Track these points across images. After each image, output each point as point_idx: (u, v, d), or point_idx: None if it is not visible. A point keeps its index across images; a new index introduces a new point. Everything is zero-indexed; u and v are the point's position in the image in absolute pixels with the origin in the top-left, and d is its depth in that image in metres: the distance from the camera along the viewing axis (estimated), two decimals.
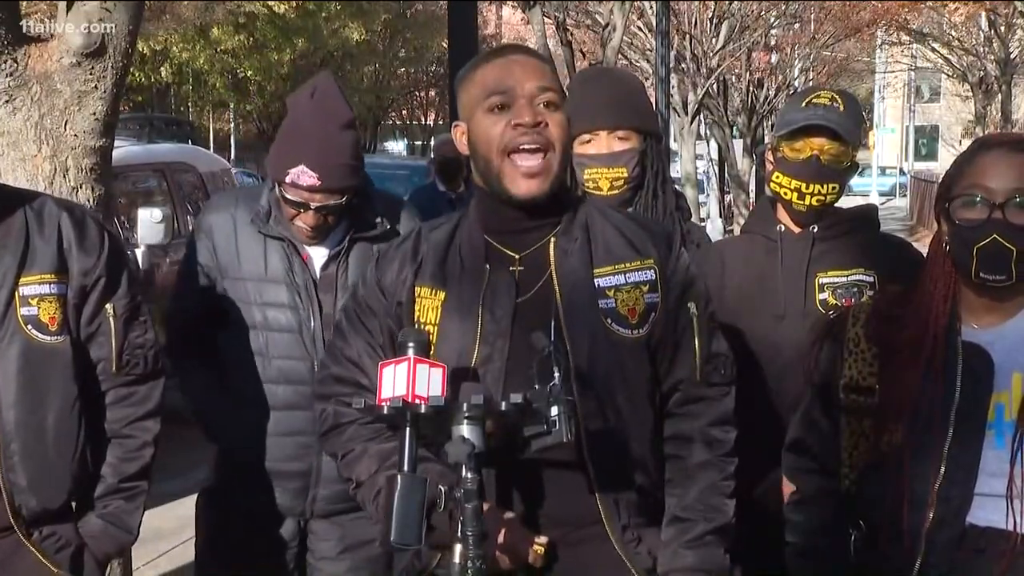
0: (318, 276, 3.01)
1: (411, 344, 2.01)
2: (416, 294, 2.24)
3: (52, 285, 2.45)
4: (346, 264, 3.00)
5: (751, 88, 24.96)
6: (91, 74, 3.48)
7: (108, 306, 2.53)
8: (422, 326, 2.22)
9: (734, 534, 2.30)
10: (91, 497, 2.56)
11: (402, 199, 3.32)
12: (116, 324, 2.54)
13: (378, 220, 3.04)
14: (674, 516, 2.26)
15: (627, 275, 2.22)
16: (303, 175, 2.86)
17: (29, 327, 2.42)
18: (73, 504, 2.53)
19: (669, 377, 2.27)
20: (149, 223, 7.80)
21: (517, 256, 2.23)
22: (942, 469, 2.13)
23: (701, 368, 2.26)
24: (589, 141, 3.01)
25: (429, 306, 2.23)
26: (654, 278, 2.23)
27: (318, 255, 3.03)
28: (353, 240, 3.01)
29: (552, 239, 2.23)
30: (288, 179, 2.88)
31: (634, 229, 2.29)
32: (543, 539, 2.16)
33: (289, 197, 2.91)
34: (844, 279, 2.86)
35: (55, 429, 2.45)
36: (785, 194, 2.89)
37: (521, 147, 2.14)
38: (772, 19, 23.62)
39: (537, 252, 2.23)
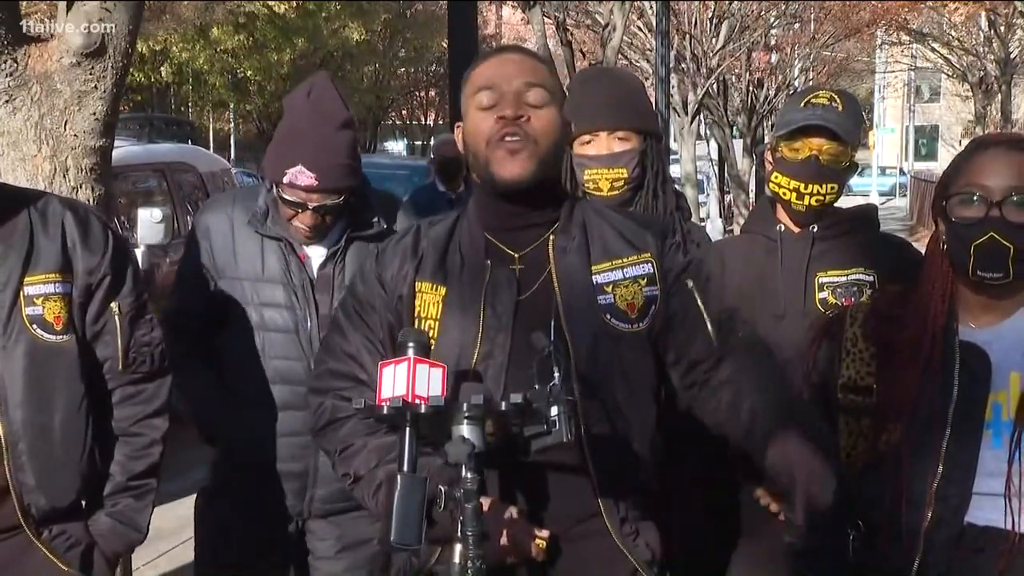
0: (315, 276, 3.01)
1: (411, 344, 2.01)
2: (417, 289, 2.26)
3: (57, 284, 2.45)
4: (343, 264, 3.01)
5: (751, 88, 24.95)
6: (91, 74, 3.49)
7: (113, 304, 2.53)
8: (423, 321, 2.23)
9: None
10: (100, 496, 2.57)
11: (398, 198, 3.31)
12: (122, 322, 2.54)
13: (375, 220, 3.05)
14: (740, 413, 2.16)
15: (624, 270, 2.24)
16: (300, 175, 2.87)
17: (34, 327, 2.42)
18: (83, 503, 2.54)
19: (686, 351, 2.24)
20: (149, 223, 7.79)
21: (516, 255, 2.24)
22: (940, 468, 2.14)
23: (716, 335, 2.23)
24: (589, 142, 3.01)
25: (430, 301, 2.24)
26: (652, 271, 2.25)
27: (316, 255, 3.03)
28: (350, 240, 3.02)
29: (551, 237, 2.25)
30: (286, 180, 2.89)
31: (630, 225, 2.30)
32: (545, 533, 2.16)
33: (287, 198, 2.91)
34: (844, 278, 2.86)
35: (62, 428, 2.45)
36: (784, 194, 2.89)
37: (504, 137, 2.17)
38: (772, 19, 23.61)
39: (536, 251, 2.24)
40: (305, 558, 3.17)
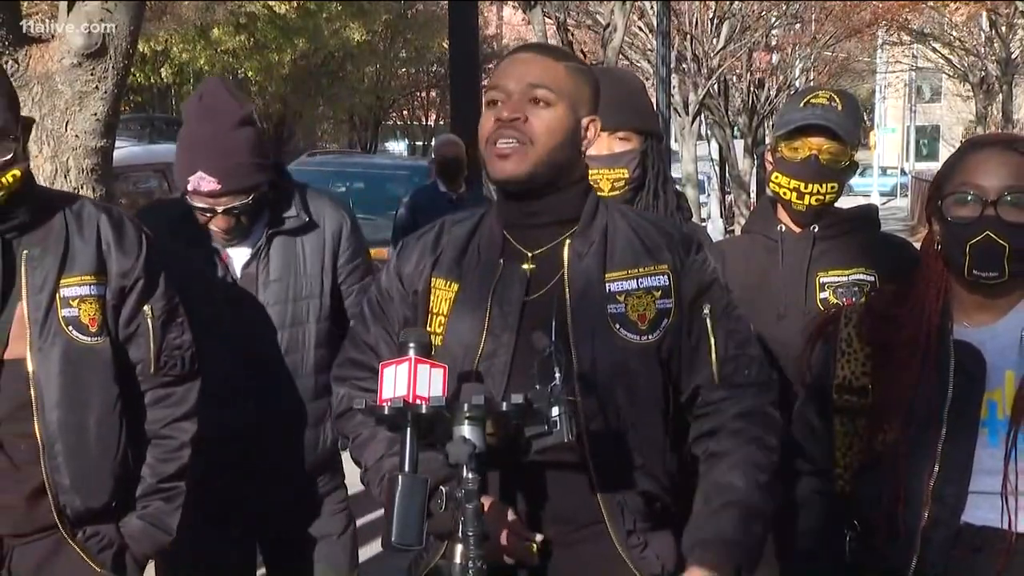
0: (239, 276, 3.02)
1: (412, 344, 2.01)
2: (432, 285, 2.27)
3: (92, 287, 2.48)
4: (267, 261, 3.02)
5: (752, 88, 24.92)
6: (92, 75, 3.50)
7: (146, 307, 2.56)
8: (435, 317, 2.25)
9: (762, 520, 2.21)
10: (131, 497, 2.59)
11: (306, 187, 3.20)
12: (154, 325, 2.57)
13: (291, 215, 3.04)
14: (697, 495, 2.21)
15: (639, 280, 2.22)
16: (202, 181, 2.86)
17: (70, 328, 2.45)
18: (114, 504, 2.56)
19: (690, 381, 2.25)
20: None
21: (530, 254, 2.24)
22: (936, 468, 2.14)
23: (719, 371, 2.23)
24: None
25: (443, 297, 2.26)
26: (667, 284, 2.22)
27: (240, 255, 3.04)
28: (271, 236, 3.02)
29: (568, 240, 2.24)
30: (190, 187, 2.88)
31: (653, 234, 2.28)
32: (538, 537, 2.17)
33: (195, 204, 2.91)
34: (845, 278, 2.87)
35: (97, 429, 2.48)
36: (784, 194, 2.89)
37: (497, 140, 2.18)
38: (773, 19, 23.60)
39: (551, 252, 2.24)
40: (275, 557, 3.18)
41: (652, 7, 17.52)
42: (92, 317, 2.47)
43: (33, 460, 2.43)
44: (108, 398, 2.50)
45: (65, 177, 3.50)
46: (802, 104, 2.90)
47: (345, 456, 2.79)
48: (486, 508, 2.00)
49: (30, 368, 2.42)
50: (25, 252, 2.43)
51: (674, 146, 22.34)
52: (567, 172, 2.24)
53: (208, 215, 2.93)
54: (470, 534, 1.90)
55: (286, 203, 3.05)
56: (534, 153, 2.17)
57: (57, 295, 2.44)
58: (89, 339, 2.47)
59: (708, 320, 2.24)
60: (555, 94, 2.20)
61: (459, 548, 1.92)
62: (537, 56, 2.25)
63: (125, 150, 7.89)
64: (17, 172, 2.37)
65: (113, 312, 2.53)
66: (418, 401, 1.93)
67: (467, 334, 2.20)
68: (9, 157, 2.36)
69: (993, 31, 30.21)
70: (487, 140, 2.20)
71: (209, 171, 2.85)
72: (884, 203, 38.45)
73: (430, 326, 2.24)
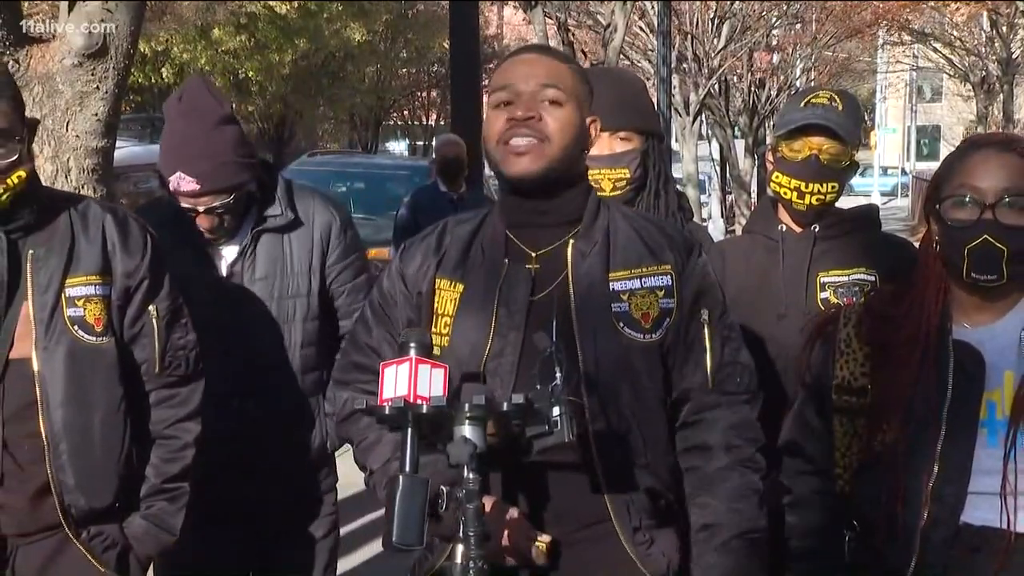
0: (225, 274, 3.02)
1: (413, 344, 2.01)
2: (436, 286, 2.28)
3: (97, 286, 2.49)
4: (253, 259, 3.02)
5: (753, 88, 24.91)
6: (92, 75, 3.50)
7: (151, 307, 2.57)
8: (440, 318, 2.25)
9: (766, 546, 2.26)
10: (135, 497, 2.60)
11: (293, 184, 3.20)
12: (159, 325, 2.58)
13: (275, 213, 3.04)
14: (701, 525, 2.24)
15: (643, 279, 2.24)
16: (183, 181, 2.87)
17: (76, 328, 2.46)
18: (117, 504, 2.56)
19: (681, 384, 2.26)
20: None
21: (534, 254, 2.25)
22: (936, 468, 2.14)
23: (713, 376, 2.25)
24: None
25: (448, 298, 2.26)
26: (670, 284, 2.24)
27: (228, 253, 3.04)
28: (257, 235, 3.02)
29: (571, 241, 2.25)
30: (172, 187, 2.89)
31: (654, 234, 2.30)
32: (546, 537, 2.16)
33: (180, 204, 2.92)
34: (845, 278, 2.87)
35: (102, 429, 2.49)
36: (785, 194, 2.89)
37: (511, 139, 2.19)
38: (774, 19, 23.59)
39: (555, 252, 2.25)
40: (265, 558, 3.18)
41: (653, 7, 17.52)
42: (97, 317, 2.48)
43: (37, 459, 2.44)
44: (113, 398, 2.50)
45: (66, 177, 3.50)
46: (803, 104, 2.90)
47: (341, 457, 2.78)
48: (488, 508, 2.01)
49: (35, 367, 2.43)
50: (30, 252, 2.44)
51: (675, 146, 22.33)
52: (573, 170, 2.27)
53: (192, 214, 2.93)
54: (471, 534, 1.91)
55: (271, 201, 3.05)
56: (550, 150, 2.19)
57: (62, 295, 2.45)
58: (94, 339, 2.48)
59: (706, 326, 2.26)
60: (565, 94, 2.23)
61: (460, 548, 1.93)
62: (543, 57, 2.28)
63: (125, 150, 7.90)
64: (23, 173, 2.39)
65: (118, 312, 2.53)
66: (419, 401, 1.93)
67: (474, 334, 2.20)
68: (15, 158, 2.37)
69: (994, 31, 30.20)
70: (499, 140, 2.21)
71: (188, 171, 2.85)
72: (885, 203, 38.45)
73: (435, 327, 2.24)
